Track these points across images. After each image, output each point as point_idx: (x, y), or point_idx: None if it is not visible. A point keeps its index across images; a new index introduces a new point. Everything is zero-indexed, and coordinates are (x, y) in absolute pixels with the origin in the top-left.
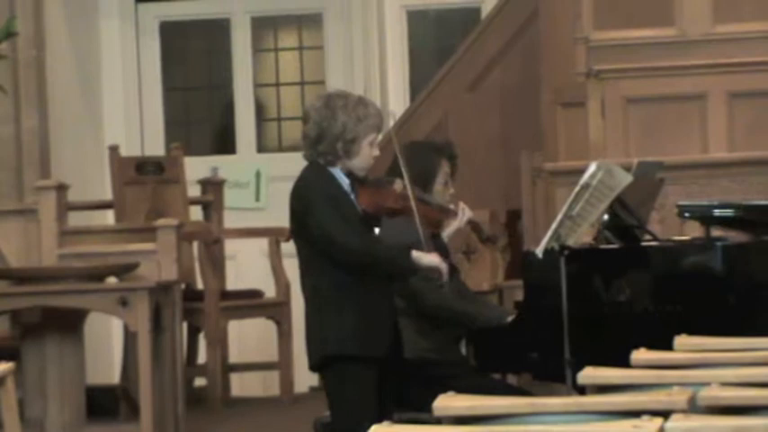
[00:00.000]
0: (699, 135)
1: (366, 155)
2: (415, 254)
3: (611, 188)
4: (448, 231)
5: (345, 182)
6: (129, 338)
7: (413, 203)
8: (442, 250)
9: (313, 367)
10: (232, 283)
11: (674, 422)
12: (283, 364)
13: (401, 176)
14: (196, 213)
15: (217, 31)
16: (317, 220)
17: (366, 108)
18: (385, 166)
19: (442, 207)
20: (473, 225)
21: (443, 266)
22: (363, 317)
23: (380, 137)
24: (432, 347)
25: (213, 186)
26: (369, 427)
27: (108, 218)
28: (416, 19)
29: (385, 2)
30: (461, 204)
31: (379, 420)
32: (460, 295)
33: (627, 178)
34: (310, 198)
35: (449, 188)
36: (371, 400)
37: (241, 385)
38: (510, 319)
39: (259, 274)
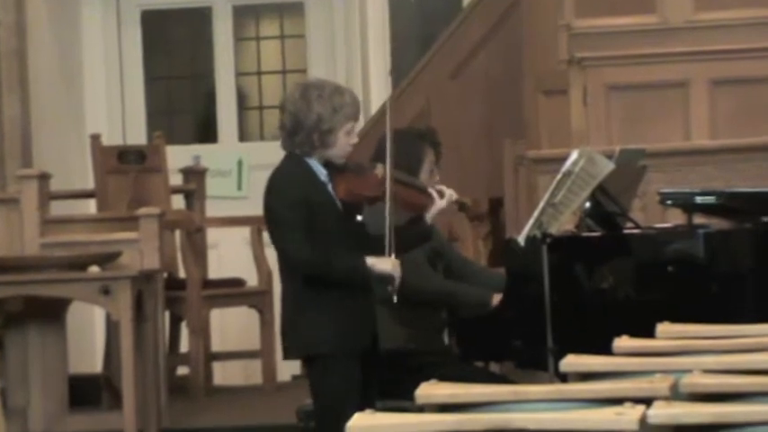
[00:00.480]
0: (681, 122)
1: (343, 144)
2: (370, 261)
3: (593, 176)
4: (431, 212)
5: (323, 172)
6: (112, 327)
7: (389, 190)
8: (426, 233)
9: (289, 359)
10: (214, 272)
11: (656, 409)
12: (265, 353)
13: (384, 161)
14: (178, 202)
15: (198, 19)
16: (277, 233)
17: (342, 97)
18: (370, 150)
19: (425, 189)
20: (459, 204)
21: (397, 272)
22: (343, 313)
23: (359, 124)
24: (413, 337)
25: (195, 175)
26: (351, 414)
27: (90, 207)
28: (398, 6)
29: None
30: (443, 188)
31: (361, 409)
32: (456, 274)
33: (609, 166)
34: (276, 206)
35: (435, 176)
36: (354, 390)
37: (223, 374)
38: (496, 297)
39: (241, 263)
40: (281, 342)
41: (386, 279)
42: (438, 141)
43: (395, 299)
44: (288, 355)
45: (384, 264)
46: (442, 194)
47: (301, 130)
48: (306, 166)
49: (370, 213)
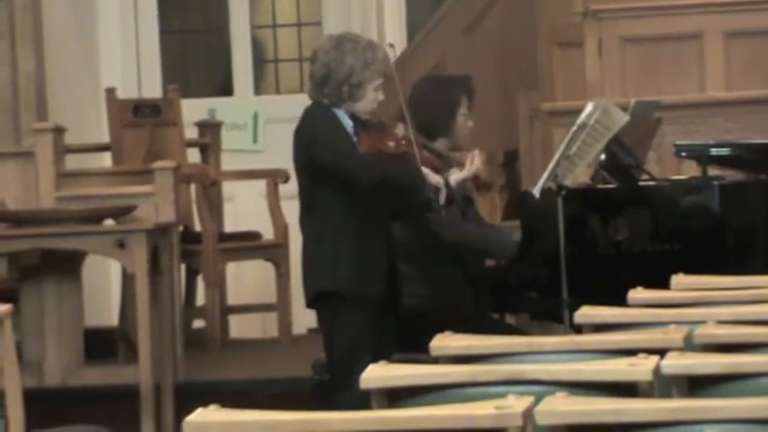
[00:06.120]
0: (696, 74)
1: (371, 99)
2: (425, 170)
3: (608, 128)
4: (455, 178)
5: (349, 124)
6: (127, 281)
7: (415, 148)
8: (449, 195)
9: (309, 304)
10: (230, 226)
11: (670, 360)
12: (281, 306)
13: (405, 120)
14: (194, 155)
15: None
16: (327, 146)
17: (375, 53)
18: (390, 108)
19: (443, 155)
20: (480, 182)
21: (443, 188)
22: (358, 259)
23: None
24: (437, 294)
25: (211, 128)
26: (365, 366)
27: (105, 160)
28: None
29: None
30: (475, 152)
31: (376, 361)
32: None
33: (624, 118)
34: (317, 128)
35: (468, 121)
36: (366, 341)
37: (239, 327)
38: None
39: (257, 216)
40: (303, 285)
41: (434, 192)
42: (473, 88)
43: (442, 211)
44: (307, 294)
45: (437, 176)
46: (472, 161)
47: (331, 80)
48: (333, 115)
49: None
